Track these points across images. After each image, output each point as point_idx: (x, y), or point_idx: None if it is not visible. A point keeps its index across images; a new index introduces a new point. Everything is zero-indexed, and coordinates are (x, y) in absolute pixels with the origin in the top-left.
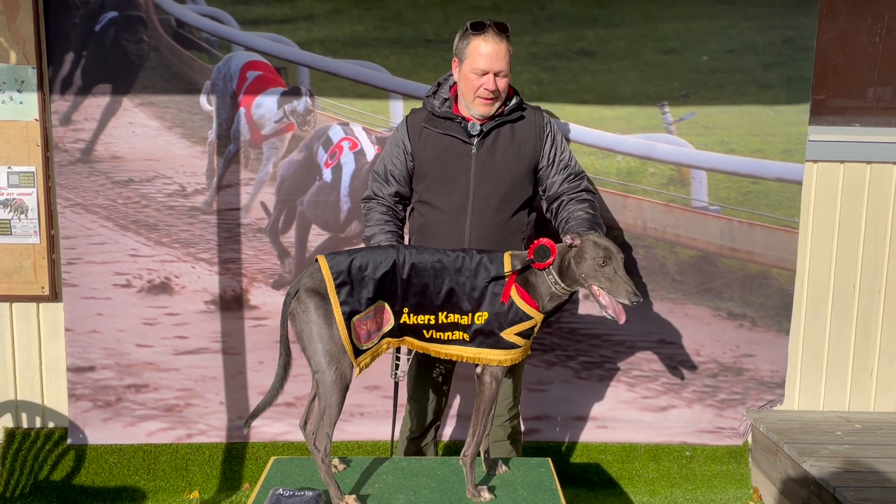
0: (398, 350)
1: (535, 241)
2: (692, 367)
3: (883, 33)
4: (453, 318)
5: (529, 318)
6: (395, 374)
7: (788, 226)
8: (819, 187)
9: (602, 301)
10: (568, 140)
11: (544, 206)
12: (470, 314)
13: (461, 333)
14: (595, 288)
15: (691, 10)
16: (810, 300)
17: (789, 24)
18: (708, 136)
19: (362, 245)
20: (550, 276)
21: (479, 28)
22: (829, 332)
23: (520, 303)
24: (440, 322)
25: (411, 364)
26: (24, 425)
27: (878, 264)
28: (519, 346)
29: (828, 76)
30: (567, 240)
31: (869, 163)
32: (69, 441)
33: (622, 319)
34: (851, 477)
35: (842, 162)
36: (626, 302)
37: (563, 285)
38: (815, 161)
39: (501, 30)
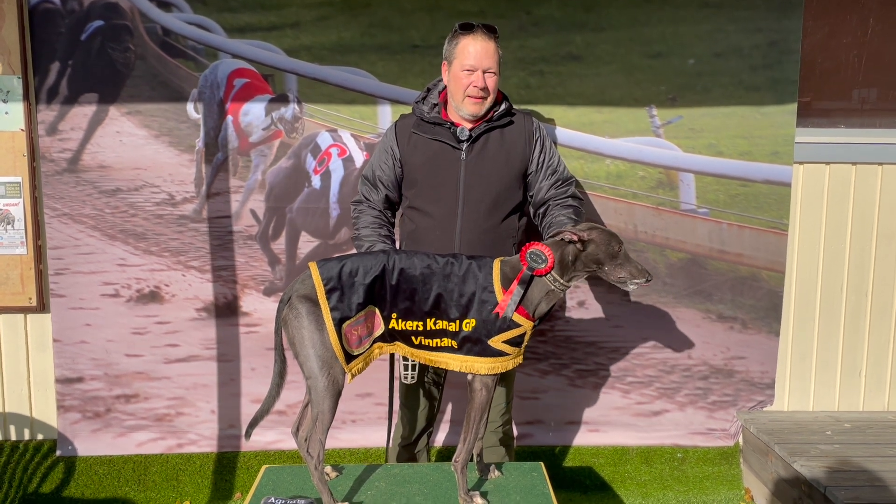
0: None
1: (525, 247)
2: (684, 369)
3: (867, 35)
4: (441, 324)
5: (518, 325)
6: (406, 374)
7: (777, 227)
8: (805, 189)
9: (620, 276)
10: (556, 144)
11: (531, 210)
12: (458, 321)
13: (450, 340)
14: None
15: (677, 15)
16: (798, 301)
17: (774, 26)
18: (696, 139)
19: (353, 250)
20: (549, 276)
21: (467, 28)
22: (818, 333)
23: None
24: (428, 328)
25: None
26: (13, 438)
27: (864, 265)
28: (507, 354)
29: (813, 78)
30: (572, 237)
31: (854, 164)
32: (58, 453)
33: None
34: (842, 476)
35: (827, 163)
36: (643, 281)
37: (562, 281)
38: (801, 163)
39: (490, 30)
